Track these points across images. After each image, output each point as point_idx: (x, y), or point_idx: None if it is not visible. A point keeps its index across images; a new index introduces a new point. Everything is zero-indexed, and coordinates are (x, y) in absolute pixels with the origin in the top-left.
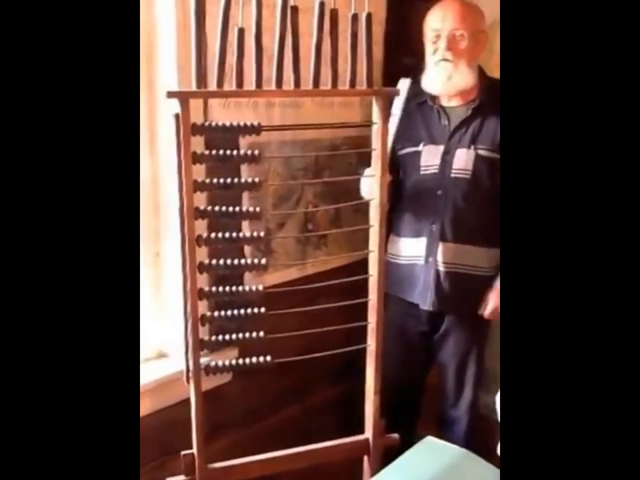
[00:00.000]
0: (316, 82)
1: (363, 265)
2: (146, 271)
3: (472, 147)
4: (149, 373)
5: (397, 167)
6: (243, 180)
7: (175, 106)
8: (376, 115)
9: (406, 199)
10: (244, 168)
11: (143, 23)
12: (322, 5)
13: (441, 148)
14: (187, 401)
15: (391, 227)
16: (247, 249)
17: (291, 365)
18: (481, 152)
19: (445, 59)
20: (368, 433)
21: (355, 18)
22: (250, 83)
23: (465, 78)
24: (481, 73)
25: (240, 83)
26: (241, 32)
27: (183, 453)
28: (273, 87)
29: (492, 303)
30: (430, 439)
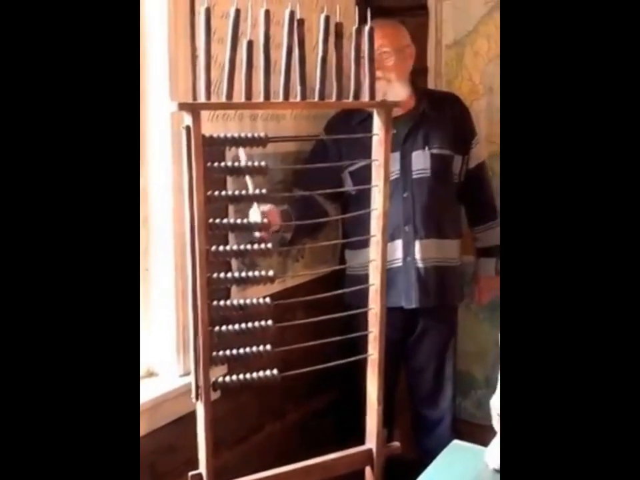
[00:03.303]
0: (322, 94)
1: (332, 277)
2: None
3: (426, 148)
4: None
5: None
6: (250, 192)
7: (164, 117)
8: (377, 127)
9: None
10: (229, 180)
11: None
12: (327, 19)
13: (397, 155)
14: (178, 421)
15: (345, 241)
16: (234, 263)
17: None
18: (434, 151)
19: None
20: (370, 444)
21: (358, 31)
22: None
23: (398, 92)
24: (414, 85)
25: (249, 95)
26: (250, 44)
27: (190, 473)
28: (280, 99)
29: (485, 289)
30: (456, 443)
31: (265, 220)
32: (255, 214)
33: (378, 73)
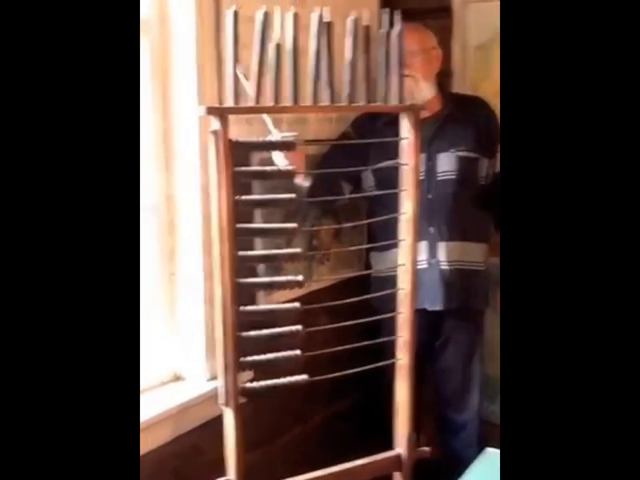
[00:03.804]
0: (351, 97)
1: (357, 278)
2: (161, 291)
3: (452, 150)
4: (166, 397)
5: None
6: (279, 196)
7: (191, 122)
8: (405, 130)
9: (391, 211)
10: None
11: (159, 38)
12: (356, 22)
13: (422, 156)
14: (205, 425)
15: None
16: (261, 267)
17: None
18: (460, 153)
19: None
20: (399, 449)
21: (387, 35)
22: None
23: (424, 91)
24: (441, 88)
25: (277, 99)
26: (278, 48)
27: None
28: (308, 102)
29: None
30: (490, 451)
31: (290, 167)
32: (279, 157)
33: (405, 71)
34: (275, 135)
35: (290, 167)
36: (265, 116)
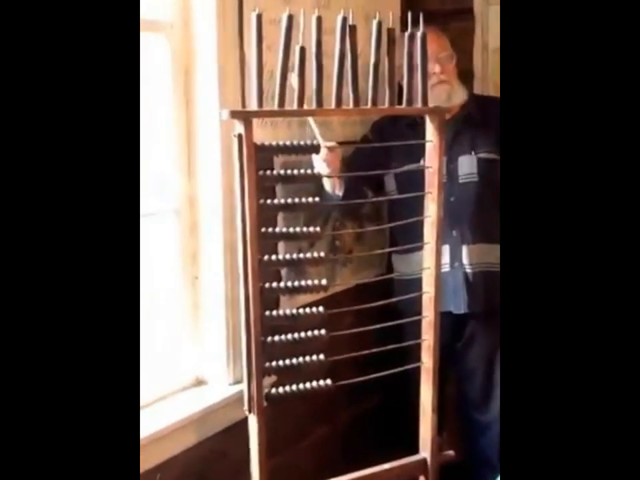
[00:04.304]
0: (374, 100)
1: (380, 280)
2: (184, 295)
3: (473, 153)
4: (189, 402)
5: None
6: (303, 200)
7: (214, 125)
8: (430, 133)
9: (413, 213)
10: (278, 188)
11: (182, 41)
12: (379, 25)
13: (444, 159)
14: (228, 430)
15: (394, 246)
16: (284, 270)
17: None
18: (482, 155)
19: (441, 81)
20: (424, 452)
21: (410, 37)
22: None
23: (461, 94)
24: None
25: (301, 102)
26: (302, 51)
27: None
28: (332, 105)
29: None
30: None
31: (328, 169)
32: (319, 162)
33: (442, 77)
34: (321, 142)
35: (328, 171)
36: (311, 122)
